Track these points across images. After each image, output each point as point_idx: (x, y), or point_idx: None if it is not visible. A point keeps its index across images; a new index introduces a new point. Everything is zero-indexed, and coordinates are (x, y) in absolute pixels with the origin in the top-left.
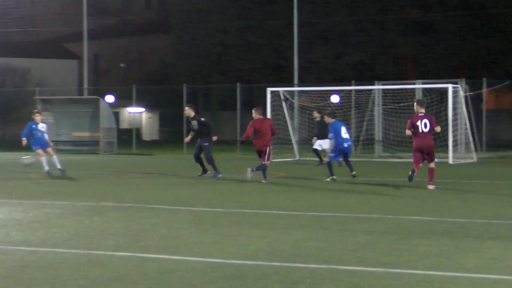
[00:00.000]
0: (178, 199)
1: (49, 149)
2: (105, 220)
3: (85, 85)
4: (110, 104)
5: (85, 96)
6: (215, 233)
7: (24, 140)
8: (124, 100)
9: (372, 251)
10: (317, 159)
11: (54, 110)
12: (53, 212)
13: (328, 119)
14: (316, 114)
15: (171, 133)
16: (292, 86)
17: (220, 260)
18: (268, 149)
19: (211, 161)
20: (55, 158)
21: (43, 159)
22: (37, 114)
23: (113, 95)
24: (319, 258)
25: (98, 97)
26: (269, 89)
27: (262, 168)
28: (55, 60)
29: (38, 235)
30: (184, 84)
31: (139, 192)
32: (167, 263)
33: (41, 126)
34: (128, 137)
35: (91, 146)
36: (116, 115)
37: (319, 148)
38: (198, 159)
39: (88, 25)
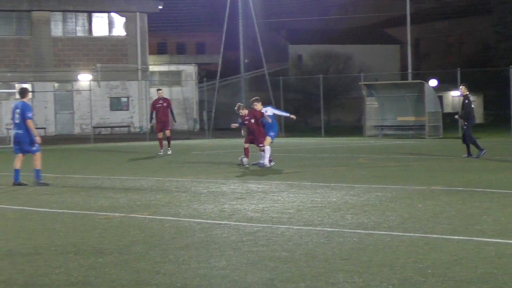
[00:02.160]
0: (510, 183)
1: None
2: (437, 204)
3: (409, 70)
4: (434, 88)
5: (409, 80)
6: None
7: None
8: (446, 84)
9: None
10: None
11: (379, 95)
12: (384, 196)
13: None
14: None
15: (495, 116)
16: None
17: None
18: None
19: (467, 141)
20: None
21: None
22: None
23: (436, 79)
24: None
25: (423, 81)
26: None
27: None
28: (376, 46)
29: (372, 218)
30: (511, 66)
31: (469, 175)
32: (505, 247)
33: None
34: (452, 121)
35: (416, 130)
36: (440, 99)
37: None
38: (465, 141)
39: (409, 9)
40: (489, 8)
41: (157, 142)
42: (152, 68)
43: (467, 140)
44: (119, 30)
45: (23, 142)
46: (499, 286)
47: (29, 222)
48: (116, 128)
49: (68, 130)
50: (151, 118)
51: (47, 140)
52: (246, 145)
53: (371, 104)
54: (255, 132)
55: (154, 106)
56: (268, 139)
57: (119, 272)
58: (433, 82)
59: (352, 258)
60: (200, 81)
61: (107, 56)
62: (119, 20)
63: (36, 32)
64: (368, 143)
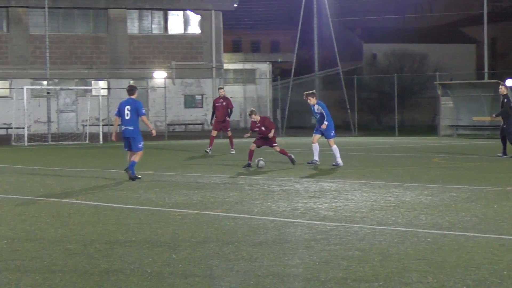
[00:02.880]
0: None
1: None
2: None
3: (485, 69)
4: (510, 88)
5: (485, 80)
6: None
7: None
8: None
9: None
10: None
11: (454, 94)
12: (459, 196)
13: None
14: None
15: None
16: None
17: None
18: None
19: (504, 140)
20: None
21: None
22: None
23: None
24: None
25: (499, 81)
26: None
27: None
28: (452, 45)
29: (446, 219)
30: None
31: None
32: None
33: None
34: None
35: (492, 130)
36: None
37: None
38: (503, 139)
39: (486, 8)
40: None
41: (227, 140)
42: (226, 66)
43: (508, 139)
44: (194, 28)
45: (132, 138)
46: None
47: (104, 218)
48: (190, 126)
49: (143, 127)
50: (212, 116)
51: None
52: (253, 148)
53: (446, 103)
54: (266, 138)
55: (214, 105)
56: (331, 140)
57: (192, 269)
58: (509, 82)
59: (426, 258)
60: (274, 79)
61: (182, 53)
62: (194, 18)
63: (113, 30)
64: (443, 143)
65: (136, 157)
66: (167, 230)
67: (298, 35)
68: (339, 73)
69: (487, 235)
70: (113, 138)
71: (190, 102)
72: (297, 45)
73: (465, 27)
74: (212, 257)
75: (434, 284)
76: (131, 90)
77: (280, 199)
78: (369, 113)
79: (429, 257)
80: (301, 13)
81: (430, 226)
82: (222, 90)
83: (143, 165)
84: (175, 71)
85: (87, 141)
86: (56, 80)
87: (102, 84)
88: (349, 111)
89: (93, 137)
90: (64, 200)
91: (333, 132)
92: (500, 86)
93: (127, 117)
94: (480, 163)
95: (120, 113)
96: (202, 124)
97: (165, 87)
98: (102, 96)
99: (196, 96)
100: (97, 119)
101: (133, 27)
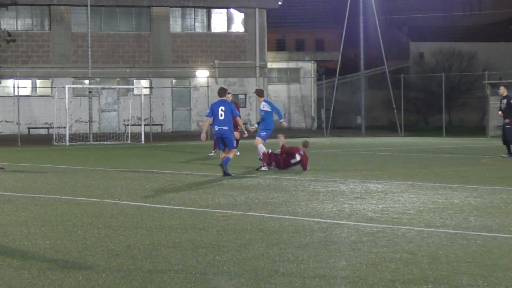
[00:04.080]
0: None
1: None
2: None
3: None
4: None
5: None
6: None
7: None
8: None
9: None
10: None
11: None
12: (509, 198)
13: None
14: None
15: None
16: None
17: None
18: None
19: (506, 142)
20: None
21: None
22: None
23: None
24: None
25: None
26: None
27: None
28: (502, 43)
29: (496, 221)
30: None
31: None
32: None
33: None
34: None
35: None
36: None
37: None
38: (505, 141)
39: None
40: None
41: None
42: (270, 65)
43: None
44: (238, 26)
45: (227, 138)
46: None
47: (147, 218)
48: None
49: (185, 127)
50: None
51: (164, 137)
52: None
53: (495, 103)
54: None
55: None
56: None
57: (237, 270)
58: None
59: (476, 261)
60: (319, 78)
61: (225, 52)
62: (238, 16)
63: (155, 28)
64: (492, 144)
65: (230, 154)
66: (211, 231)
67: (344, 33)
68: (385, 72)
69: None
70: (202, 138)
71: (234, 101)
72: (342, 43)
73: None
74: (257, 258)
75: None
76: (222, 91)
77: (326, 200)
78: (416, 113)
79: (479, 260)
80: (347, 11)
81: (480, 229)
82: (229, 95)
83: (187, 166)
84: (218, 70)
85: (128, 141)
86: (98, 79)
87: (144, 83)
88: (395, 111)
89: (135, 137)
90: (107, 200)
91: (265, 132)
92: (500, 87)
93: (221, 118)
94: None
95: (213, 114)
96: (245, 124)
97: (208, 86)
98: (144, 95)
99: (239, 96)
100: (139, 118)
101: (176, 25)
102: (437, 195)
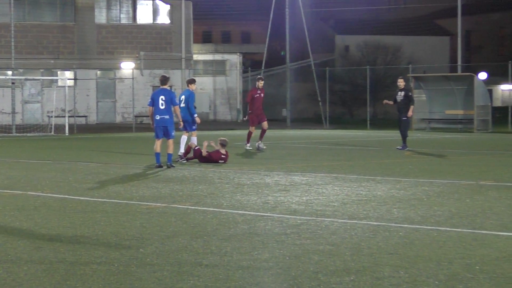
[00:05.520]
0: None
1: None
2: (486, 199)
3: (459, 62)
4: (483, 81)
5: (458, 73)
6: None
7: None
8: (496, 77)
9: None
10: None
11: (427, 87)
12: (431, 190)
13: None
14: None
15: None
16: None
17: None
18: None
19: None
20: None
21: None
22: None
23: (486, 72)
24: None
25: (472, 74)
26: None
27: None
28: (426, 37)
29: (419, 213)
30: None
31: None
32: None
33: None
34: (502, 115)
35: (465, 124)
36: (490, 93)
37: None
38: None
39: (461, 0)
40: None
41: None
42: (196, 57)
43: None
44: (164, 18)
45: (168, 127)
46: None
47: (71, 211)
48: None
49: (110, 119)
50: (247, 110)
51: (89, 129)
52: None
53: (419, 96)
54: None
55: (253, 96)
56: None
57: (161, 263)
58: (482, 75)
59: (398, 252)
60: (244, 70)
61: (151, 44)
62: (163, 8)
63: (80, 19)
64: (416, 137)
65: (170, 148)
66: (134, 223)
67: (270, 26)
68: (311, 65)
69: (460, 230)
70: (152, 126)
71: None
72: (268, 36)
73: (439, 19)
74: (180, 251)
75: (406, 279)
76: (164, 80)
77: (250, 193)
78: (341, 106)
79: (401, 252)
80: (273, 3)
81: (402, 220)
82: (261, 81)
83: (111, 158)
84: (143, 62)
85: (52, 133)
86: (21, 70)
87: (69, 74)
88: (320, 103)
89: (59, 128)
90: (30, 192)
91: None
92: (399, 80)
93: (162, 107)
94: (454, 157)
95: (153, 103)
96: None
97: (133, 78)
98: (69, 86)
99: None
100: (63, 110)
101: (101, 16)
102: (360, 187)
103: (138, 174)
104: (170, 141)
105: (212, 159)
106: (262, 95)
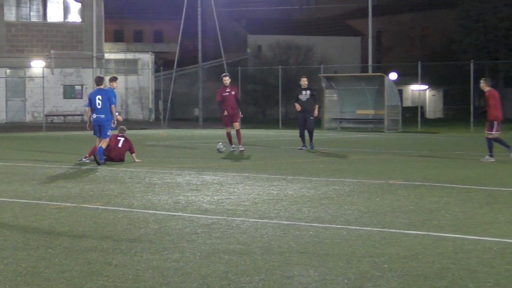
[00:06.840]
0: (469, 178)
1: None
2: (395, 198)
3: (370, 62)
4: (394, 81)
5: (369, 73)
6: (510, 213)
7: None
8: (407, 77)
9: None
10: None
11: (338, 87)
12: (342, 189)
13: None
14: None
15: (456, 111)
16: None
17: None
18: None
19: (303, 135)
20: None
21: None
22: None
23: (396, 72)
24: None
25: (383, 74)
26: None
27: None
28: (337, 37)
29: (329, 212)
30: (472, 61)
31: (428, 170)
32: (462, 242)
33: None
34: (412, 115)
35: (375, 124)
36: (400, 93)
37: None
38: (302, 134)
39: (372, 1)
40: (454, 1)
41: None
42: (108, 56)
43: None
44: (75, 16)
45: (103, 126)
46: (455, 282)
47: None
48: (70, 117)
49: (20, 118)
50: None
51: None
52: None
53: (330, 96)
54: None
55: (220, 95)
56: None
57: (69, 263)
58: (393, 76)
59: (308, 251)
60: (156, 70)
61: (62, 42)
62: (74, 6)
63: None
64: (326, 136)
65: (103, 143)
66: (43, 223)
67: (182, 25)
68: (223, 64)
69: (369, 228)
70: (88, 127)
71: (70, 92)
72: (180, 35)
73: (350, 20)
74: (90, 251)
75: (316, 278)
76: (99, 80)
77: (161, 192)
78: (254, 106)
79: (311, 251)
80: (185, 2)
81: (313, 219)
82: (227, 78)
83: (20, 157)
84: (54, 61)
85: None
86: None
87: None
88: None
89: None
90: None
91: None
92: (302, 79)
93: (98, 106)
94: (364, 156)
95: (91, 103)
96: (82, 115)
97: (43, 77)
98: None
99: (76, 87)
100: None
101: (10, 14)
102: (272, 186)
103: (48, 174)
104: (104, 140)
105: (113, 147)
106: (233, 92)
